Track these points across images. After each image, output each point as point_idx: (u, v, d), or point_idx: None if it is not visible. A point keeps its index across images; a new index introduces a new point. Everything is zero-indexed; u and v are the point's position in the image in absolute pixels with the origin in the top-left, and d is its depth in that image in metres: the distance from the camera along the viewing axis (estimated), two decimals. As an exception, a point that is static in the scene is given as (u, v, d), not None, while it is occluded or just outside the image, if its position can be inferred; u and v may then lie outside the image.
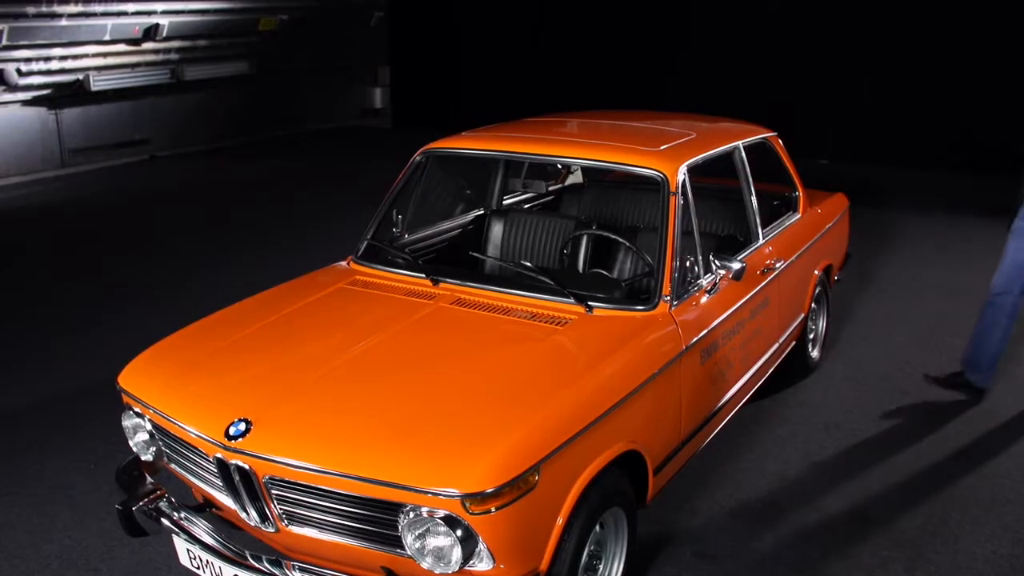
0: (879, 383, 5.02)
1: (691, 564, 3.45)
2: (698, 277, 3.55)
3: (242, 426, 2.68)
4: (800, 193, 4.89)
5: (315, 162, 12.61)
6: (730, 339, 3.77)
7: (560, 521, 2.70)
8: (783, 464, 4.17)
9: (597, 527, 2.93)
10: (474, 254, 4.26)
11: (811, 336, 5.07)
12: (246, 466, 2.63)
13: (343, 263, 3.97)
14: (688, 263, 3.48)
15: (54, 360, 5.57)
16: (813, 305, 4.94)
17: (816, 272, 4.93)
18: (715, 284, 3.59)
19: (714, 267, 3.57)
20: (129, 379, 3.13)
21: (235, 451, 2.64)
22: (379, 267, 3.83)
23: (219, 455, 2.68)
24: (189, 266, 7.49)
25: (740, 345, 3.90)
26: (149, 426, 3.06)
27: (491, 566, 2.54)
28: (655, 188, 3.68)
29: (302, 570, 2.72)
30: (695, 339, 3.39)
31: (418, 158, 4.16)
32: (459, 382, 2.91)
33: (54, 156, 11.83)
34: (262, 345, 3.23)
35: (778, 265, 4.23)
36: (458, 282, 3.60)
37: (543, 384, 2.87)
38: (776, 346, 4.41)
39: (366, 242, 3.99)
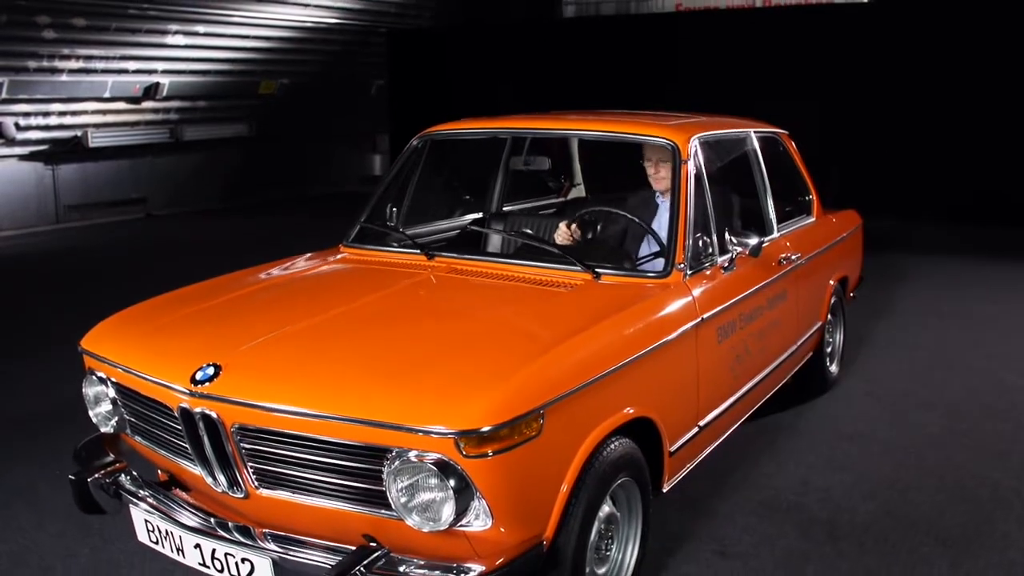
0: (901, 398, 4.71)
1: (712, 562, 3.10)
2: (713, 254, 3.30)
3: (210, 370, 2.39)
4: (813, 197, 4.68)
5: (315, 220, 12.41)
6: (748, 324, 3.51)
7: (565, 488, 2.39)
8: (807, 469, 3.84)
9: (609, 503, 2.62)
10: (474, 228, 3.99)
11: (828, 350, 4.78)
12: (213, 414, 2.34)
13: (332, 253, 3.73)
14: (702, 241, 3.24)
15: (26, 379, 5.26)
16: (830, 316, 4.68)
17: (832, 282, 4.69)
18: (731, 262, 3.34)
19: (730, 245, 3.34)
20: (92, 341, 2.85)
21: (201, 396, 2.35)
22: (371, 247, 3.60)
23: (184, 404, 2.38)
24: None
25: (758, 333, 3.63)
26: (112, 392, 2.76)
27: (488, 525, 2.22)
28: (666, 162, 3.49)
29: (275, 537, 2.41)
30: (711, 312, 3.13)
31: (416, 143, 3.94)
32: (456, 331, 2.65)
33: (49, 211, 11.66)
34: (240, 309, 2.97)
35: (794, 258, 3.99)
36: (455, 255, 3.36)
37: (548, 332, 2.60)
38: (795, 347, 4.12)
39: (359, 226, 3.76)
